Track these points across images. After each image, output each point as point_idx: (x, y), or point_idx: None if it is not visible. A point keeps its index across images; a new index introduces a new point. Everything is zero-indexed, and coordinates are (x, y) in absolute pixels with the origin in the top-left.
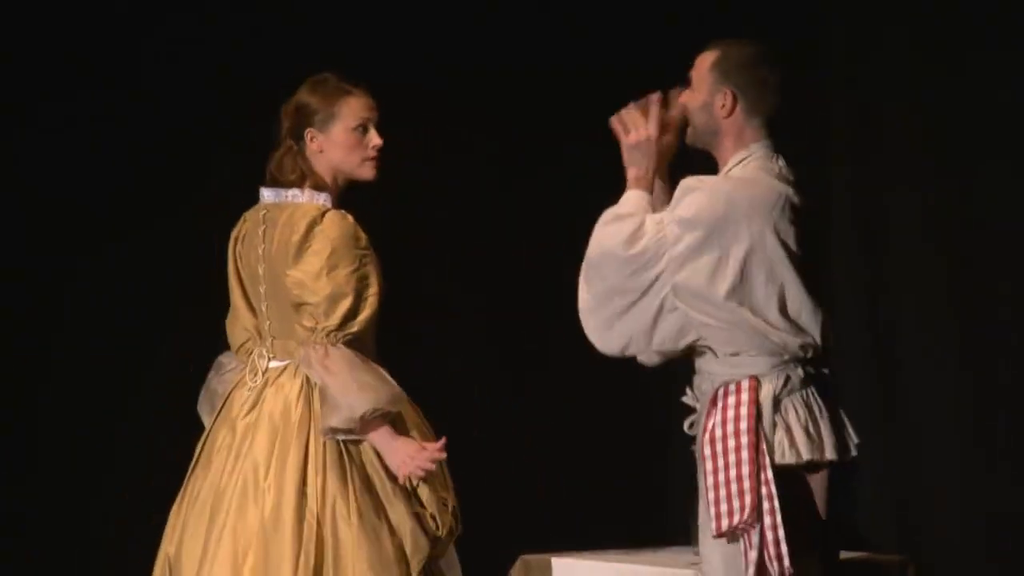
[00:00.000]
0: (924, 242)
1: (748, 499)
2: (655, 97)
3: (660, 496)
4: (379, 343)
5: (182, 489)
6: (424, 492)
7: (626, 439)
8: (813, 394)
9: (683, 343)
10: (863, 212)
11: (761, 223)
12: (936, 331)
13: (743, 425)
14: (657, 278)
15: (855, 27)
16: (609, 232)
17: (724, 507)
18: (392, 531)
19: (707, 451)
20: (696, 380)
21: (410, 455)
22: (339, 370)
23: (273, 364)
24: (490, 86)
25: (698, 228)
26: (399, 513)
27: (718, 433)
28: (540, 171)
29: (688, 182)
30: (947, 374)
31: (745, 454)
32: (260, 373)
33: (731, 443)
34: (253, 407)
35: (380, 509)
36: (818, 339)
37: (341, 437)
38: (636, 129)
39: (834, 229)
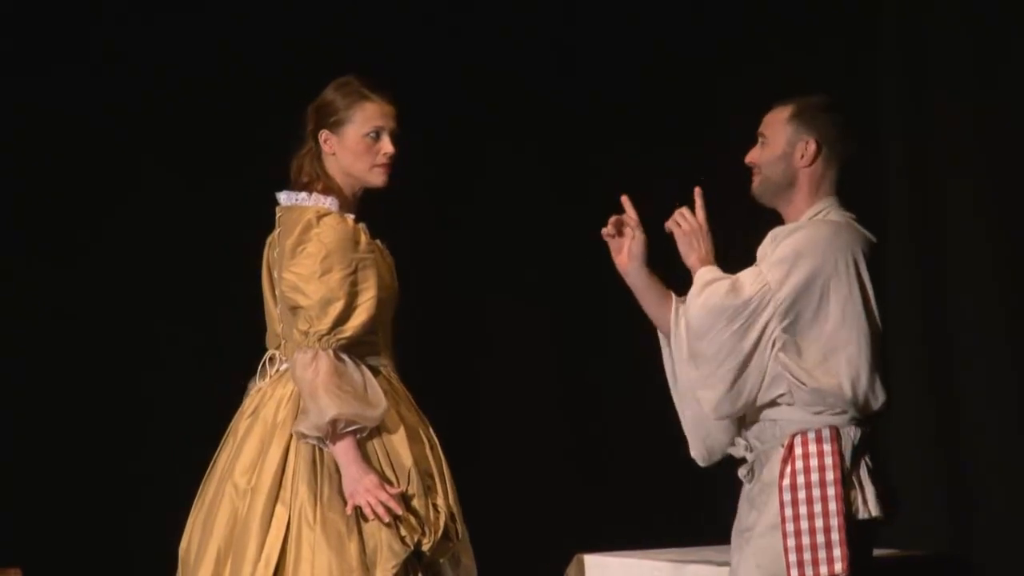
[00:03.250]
0: (981, 240)
1: (841, 551)
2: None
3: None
4: (415, 345)
5: (200, 486)
6: (411, 500)
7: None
8: (875, 449)
9: (773, 394)
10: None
11: (856, 269)
12: (992, 332)
13: (830, 476)
14: (765, 327)
15: (909, 10)
16: (706, 295)
17: (808, 555)
18: (361, 538)
19: (787, 497)
20: (757, 428)
21: (366, 487)
22: (318, 374)
23: (283, 367)
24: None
25: (801, 268)
26: (373, 520)
27: (800, 481)
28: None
29: (779, 230)
30: (1002, 374)
31: (833, 505)
32: (269, 376)
33: (816, 492)
34: (255, 409)
35: (350, 515)
36: (887, 395)
37: (312, 442)
38: (686, 220)
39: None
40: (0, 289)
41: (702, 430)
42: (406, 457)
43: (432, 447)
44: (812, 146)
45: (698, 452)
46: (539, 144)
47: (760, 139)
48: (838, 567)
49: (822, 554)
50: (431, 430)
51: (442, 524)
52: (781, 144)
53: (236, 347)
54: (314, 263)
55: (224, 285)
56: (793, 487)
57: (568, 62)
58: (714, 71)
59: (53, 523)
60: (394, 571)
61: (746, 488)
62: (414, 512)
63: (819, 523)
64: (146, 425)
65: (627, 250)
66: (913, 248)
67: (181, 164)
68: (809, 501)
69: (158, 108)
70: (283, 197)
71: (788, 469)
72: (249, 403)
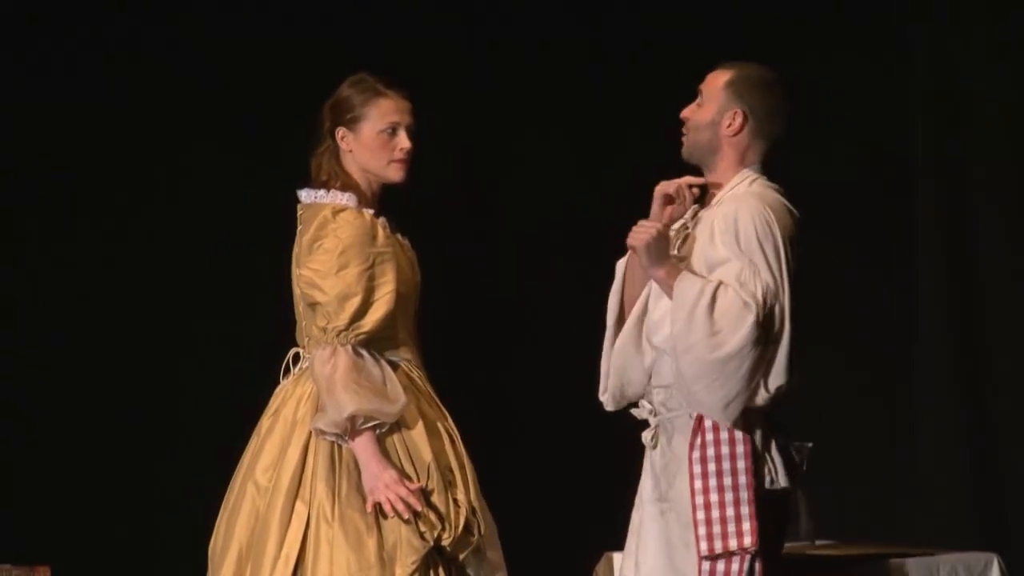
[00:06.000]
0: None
1: (751, 524)
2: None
3: None
4: (443, 340)
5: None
6: (430, 495)
7: None
8: (782, 423)
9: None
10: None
11: (788, 242)
12: (1018, 326)
13: (740, 449)
14: (777, 330)
15: (942, 32)
16: (727, 318)
17: (718, 529)
18: (380, 534)
19: (697, 470)
20: (664, 393)
21: (386, 483)
22: (336, 370)
23: (306, 364)
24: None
25: (771, 257)
26: (393, 516)
27: (710, 453)
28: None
29: (721, 219)
30: None
31: (743, 479)
32: (293, 374)
33: (726, 465)
34: (277, 408)
35: (370, 511)
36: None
37: (330, 438)
38: (644, 230)
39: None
40: (22, 295)
41: (624, 376)
42: (425, 452)
43: (453, 442)
44: (739, 118)
45: (611, 397)
46: (566, 131)
47: (698, 97)
48: (747, 540)
49: (731, 527)
50: (452, 424)
51: (463, 519)
52: (711, 111)
53: (265, 346)
54: (331, 259)
55: (254, 285)
56: (703, 459)
57: (595, 51)
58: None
59: (81, 521)
60: (414, 566)
61: (650, 454)
62: (434, 507)
63: (728, 496)
64: (175, 423)
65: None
66: (945, 254)
67: (210, 160)
68: (719, 474)
69: (183, 106)
70: (303, 195)
71: (698, 442)
72: (272, 401)
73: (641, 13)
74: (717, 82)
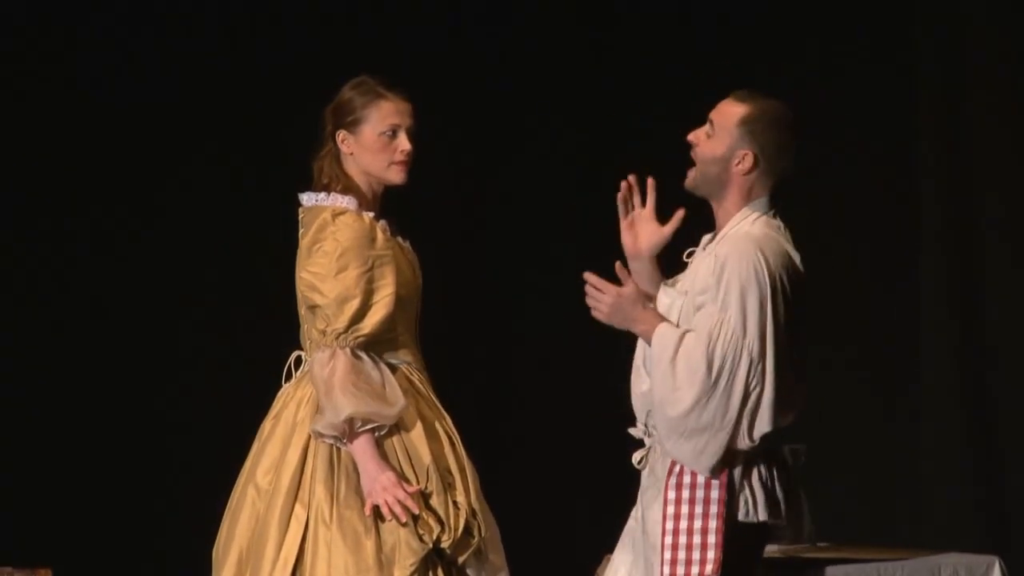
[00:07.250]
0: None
1: (715, 553)
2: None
3: None
4: (444, 340)
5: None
6: (429, 497)
7: None
8: (774, 454)
9: None
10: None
11: (781, 286)
12: (1019, 326)
13: (716, 479)
14: (748, 378)
15: (947, 22)
16: (680, 370)
17: (683, 555)
18: (379, 536)
19: (671, 495)
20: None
21: (384, 485)
22: (334, 373)
23: (307, 367)
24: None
25: (751, 305)
26: (391, 519)
27: (686, 480)
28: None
29: (713, 259)
30: None
31: (715, 508)
32: (295, 377)
33: (700, 493)
34: (279, 411)
35: (368, 514)
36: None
37: (329, 441)
38: (603, 298)
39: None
40: (22, 295)
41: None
42: (425, 454)
43: (453, 444)
44: (749, 159)
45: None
46: (566, 131)
47: (708, 124)
48: (708, 568)
49: (696, 555)
50: (452, 426)
51: (462, 521)
52: (722, 147)
53: (267, 347)
54: (330, 261)
55: (254, 286)
56: (679, 486)
57: (595, 51)
58: (751, 59)
59: (83, 524)
60: (412, 568)
61: (642, 476)
62: (433, 510)
63: (698, 524)
64: (175, 424)
65: (640, 237)
66: (946, 254)
67: (211, 160)
68: (692, 501)
69: (183, 106)
70: (304, 198)
71: (677, 468)
72: (274, 405)
73: (641, 13)
74: (731, 118)
